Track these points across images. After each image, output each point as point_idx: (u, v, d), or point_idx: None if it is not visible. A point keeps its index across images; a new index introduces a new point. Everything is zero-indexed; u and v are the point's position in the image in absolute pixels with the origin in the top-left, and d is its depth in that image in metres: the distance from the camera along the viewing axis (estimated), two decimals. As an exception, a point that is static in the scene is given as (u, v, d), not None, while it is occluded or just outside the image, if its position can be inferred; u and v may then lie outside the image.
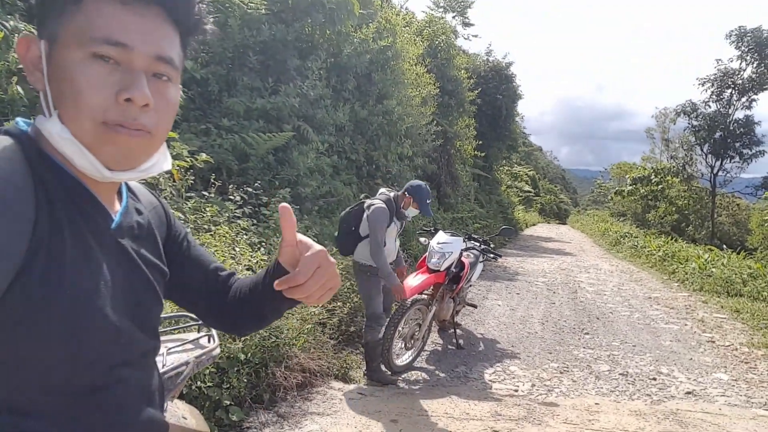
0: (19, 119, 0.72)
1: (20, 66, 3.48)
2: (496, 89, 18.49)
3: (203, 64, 5.86)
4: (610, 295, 8.29)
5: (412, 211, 3.87)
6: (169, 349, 1.30)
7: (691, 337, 5.89)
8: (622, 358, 4.93)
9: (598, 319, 6.54)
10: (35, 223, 0.62)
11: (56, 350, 0.66)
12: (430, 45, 13.35)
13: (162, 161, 0.77)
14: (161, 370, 1.14)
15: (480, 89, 16.32)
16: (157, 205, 0.93)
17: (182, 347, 1.34)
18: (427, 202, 3.82)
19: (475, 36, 44.01)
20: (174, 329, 1.50)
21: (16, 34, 3.49)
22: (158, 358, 1.15)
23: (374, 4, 9.15)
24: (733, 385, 4.35)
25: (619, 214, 31.13)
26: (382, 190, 3.99)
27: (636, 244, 16.07)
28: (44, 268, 0.63)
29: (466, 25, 25.14)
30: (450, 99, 13.64)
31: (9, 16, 3.61)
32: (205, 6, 0.75)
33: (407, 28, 11.93)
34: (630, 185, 28.96)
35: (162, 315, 1.30)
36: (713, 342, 5.71)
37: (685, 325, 6.48)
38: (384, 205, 3.69)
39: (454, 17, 24.08)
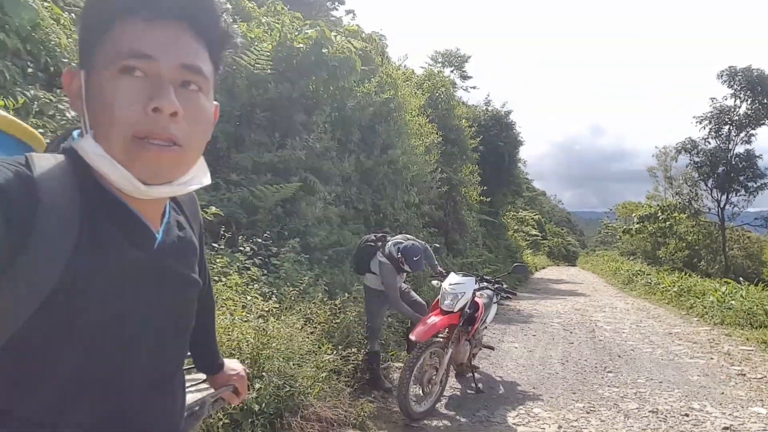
0: (75, 134, 0.74)
1: (39, 130, 3.63)
2: (497, 137, 18.86)
3: (212, 123, 6.04)
4: (629, 333, 8.08)
5: (406, 267, 4.37)
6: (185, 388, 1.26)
7: (719, 370, 5.69)
8: (650, 395, 4.75)
9: (619, 357, 6.35)
10: (73, 253, 0.63)
11: (89, 370, 0.67)
12: (430, 97, 13.74)
13: (200, 176, 0.77)
14: None
15: (481, 137, 16.64)
16: (198, 212, 0.95)
17: (196, 387, 1.30)
18: (414, 259, 4.28)
19: (474, 87, 45.39)
20: (188, 368, 1.46)
21: (36, 102, 3.65)
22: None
23: (375, 61, 9.50)
24: (771, 418, 4.16)
25: (629, 253, 30.81)
26: (397, 238, 4.58)
27: (649, 281, 15.83)
28: (81, 289, 0.64)
29: (464, 77, 25.97)
30: (453, 147, 13.87)
31: (30, 86, 3.78)
32: (231, 19, 0.78)
33: (407, 82, 12.32)
34: (637, 223, 28.85)
35: None
36: (744, 375, 5.51)
37: (711, 359, 6.28)
38: (389, 264, 4.34)
39: (452, 71, 24.94)
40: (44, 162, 0.66)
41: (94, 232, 0.66)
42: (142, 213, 0.74)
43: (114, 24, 0.67)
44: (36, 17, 3.98)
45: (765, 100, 23.03)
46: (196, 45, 0.72)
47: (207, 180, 0.79)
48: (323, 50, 7.01)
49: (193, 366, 1.35)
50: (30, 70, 3.95)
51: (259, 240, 4.85)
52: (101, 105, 0.67)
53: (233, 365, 1.24)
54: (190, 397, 1.25)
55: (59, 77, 4.03)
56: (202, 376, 1.25)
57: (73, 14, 4.78)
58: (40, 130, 3.63)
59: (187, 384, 1.29)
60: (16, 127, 0.78)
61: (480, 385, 4.79)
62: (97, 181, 0.70)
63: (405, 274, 4.59)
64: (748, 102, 23.49)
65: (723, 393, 4.85)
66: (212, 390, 1.23)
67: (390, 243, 4.50)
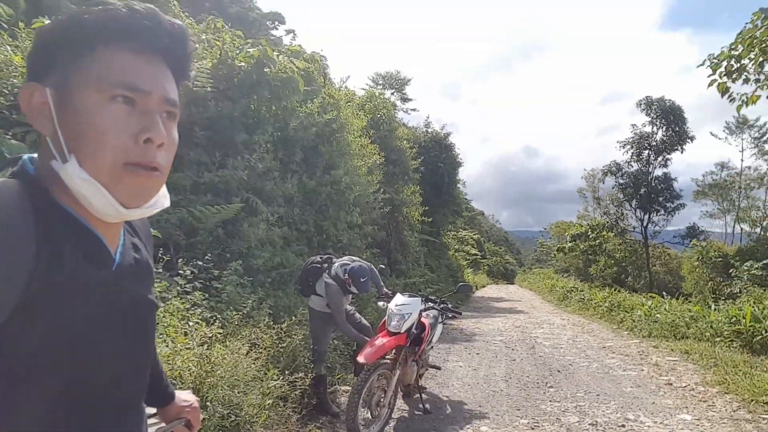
0: (26, 160, 0.74)
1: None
2: (437, 158, 19.28)
3: (148, 141, 5.80)
4: (566, 348, 8.38)
5: (353, 288, 4.31)
6: None
7: (649, 381, 6.00)
8: (589, 408, 4.93)
9: (559, 371, 6.56)
10: (33, 270, 0.63)
11: (48, 394, 0.67)
12: (372, 118, 13.89)
13: (162, 198, 0.81)
14: None
15: (422, 158, 16.95)
16: (150, 236, 0.97)
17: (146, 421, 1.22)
18: (361, 280, 4.24)
19: (414, 110, 46.36)
20: None
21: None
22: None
23: (317, 82, 9.51)
24: (698, 425, 4.41)
25: (563, 270, 32.20)
26: (344, 259, 4.53)
27: (583, 297, 16.57)
28: (43, 313, 0.64)
29: (405, 100, 26.49)
30: (395, 168, 14.04)
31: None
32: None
33: (350, 103, 12.40)
34: (570, 242, 30.27)
35: None
36: (671, 384, 5.83)
37: (642, 370, 6.61)
38: (337, 288, 4.29)
39: (392, 93, 25.39)
40: None
41: (53, 251, 0.66)
42: (101, 234, 0.75)
43: (96, 49, 0.69)
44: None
45: (677, 128, 25.06)
46: (171, 78, 0.77)
47: (167, 202, 0.82)
48: (265, 69, 6.95)
49: None
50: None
51: (200, 263, 4.66)
52: (88, 129, 0.68)
53: (185, 396, 1.19)
54: None
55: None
56: (152, 410, 1.17)
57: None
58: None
59: None
60: None
61: (428, 405, 4.79)
62: (56, 202, 0.71)
63: (351, 295, 4.54)
64: (663, 129, 25.46)
65: (654, 403, 5.10)
66: (163, 424, 1.15)
67: (336, 264, 4.47)
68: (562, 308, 16.57)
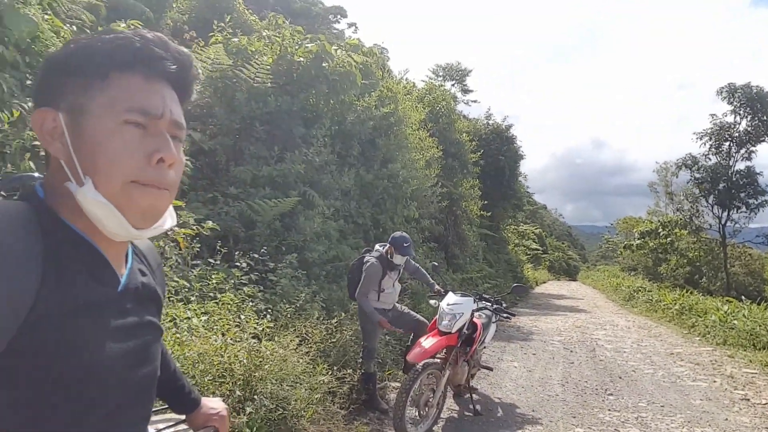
0: (37, 184, 0.76)
1: (35, 143, 3.59)
2: (498, 150, 18.83)
3: (211, 136, 6.01)
4: (630, 353, 7.98)
5: (397, 258, 4.42)
6: (161, 430, 1.19)
7: (722, 395, 5.60)
8: (652, 420, 4.66)
9: (620, 378, 6.26)
10: (38, 292, 0.65)
11: (57, 411, 0.68)
12: (431, 111, 13.75)
13: (169, 218, 0.83)
14: None
15: (482, 151, 16.61)
16: (161, 264, 0.98)
17: (174, 428, 1.22)
18: (405, 245, 4.39)
19: (475, 101, 45.64)
20: (164, 408, 1.40)
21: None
22: None
23: (376, 75, 9.51)
24: (775, 446, 4.07)
25: (630, 269, 30.65)
26: (377, 246, 4.64)
27: (650, 298, 15.72)
28: (47, 330, 0.66)
29: (465, 91, 26.10)
30: (453, 161, 13.85)
31: (28, 98, 3.75)
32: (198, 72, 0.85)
33: (408, 95, 12.33)
34: (638, 239, 28.76)
35: None
36: (748, 400, 5.41)
37: (714, 381, 6.18)
38: (375, 262, 4.38)
39: (453, 85, 25.06)
40: (2, 210, 0.67)
41: (60, 271, 0.68)
42: (108, 256, 0.77)
43: (109, 75, 0.72)
44: (36, 30, 3.96)
45: (765, 117, 23.08)
46: (178, 102, 0.80)
47: (173, 221, 0.84)
48: (323, 64, 7.01)
49: (166, 406, 1.29)
50: (28, 82, 3.92)
51: (256, 255, 4.79)
52: (101, 153, 0.71)
53: (214, 404, 1.21)
54: None
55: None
56: (180, 416, 1.19)
57: (74, 27, 4.77)
58: (36, 143, 3.60)
59: (164, 425, 1.23)
60: None
61: (478, 406, 4.70)
62: (63, 222, 0.73)
63: (397, 273, 4.54)
64: (748, 119, 23.54)
65: (727, 419, 4.75)
66: (191, 431, 1.17)
67: (377, 246, 4.64)
68: (628, 309, 15.80)
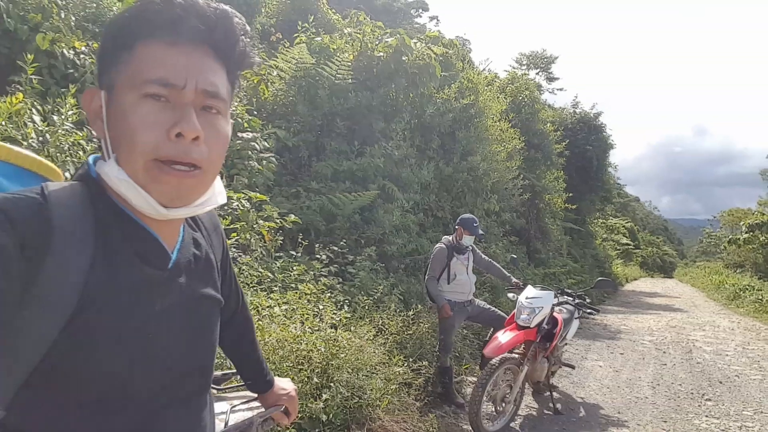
0: (91, 162, 0.76)
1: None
2: (585, 140, 17.94)
3: (295, 133, 6.28)
4: (733, 356, 7.35)
5: (467, 239, 4.51)
6: (234, 406, 1.23)
7: (841, 407, 5.02)
8: (759, 430, 4.29)
9: (721, 383, 5.79)
10: (88, 275, 0.66)
11: (110, 389, 0.69)
12: (513, 101, 13.37)
13: (216, 196, 0.79)
14: (223, 430, 1.13)
15: (568, 141, 15.91)
16: (218, 227, 0.96)
17: (248, 405, 1.27)
18: (474, 225, 4.50)
19: (561, 89, 43.71)
20: (240, 386, 1.40)
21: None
22: (221, 416, 1.15)
23: (456, 67, 9.42)
24: None
25: (736, 265, 27.99)
26: (444, 236, 4.75)
27: (760, 297, 14.29)
28: (98, 312, 0.67)
29: (551, 79, 25.08)
30: (536, 153, 13.40)
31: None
32: (249, 40, 0.78)
33: (490, 86, 12.08)
34: (746, 233, 26.15)
35: (227, 371, 1.32)
36: None
37: (834, 392, 5.55)
38: (442, 245, 4.53)
39: (537, 73, 24.18)
40: (59, 190, 0.69)
41: (109, 252, 0.69)
42: (157, 232, 0.76)
43: (135, 46, 0.69)
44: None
45: None
46: (216, 68, 0.74)
47: (223, 199, 0.81)
48: (403, 58, 7.06)
49: (243, 384, 1.36)
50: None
51: (336, 248, 4.96)
52: (124, 128, 0.69)
53: (284, 384, 1.26)
54: (240, 416, 1.24)
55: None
56: (253, 394, 1.25)
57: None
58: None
59: (238, 402, 1.30)
60: (31, 162, 0.81)
61: (558, 405, 4.57)
62: (114, 203, 0.73)
63: (467, 258, 4.58)
64: None
65: None
66: (262, 409, 1.23)
67: (443, 237, 4.76)
68: (732, 309, 14.50)
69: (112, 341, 0.68)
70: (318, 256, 4.62)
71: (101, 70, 0.73)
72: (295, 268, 4.10)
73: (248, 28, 0.77)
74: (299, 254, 4.52)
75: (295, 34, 7.39)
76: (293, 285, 3.87)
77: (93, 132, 0.76)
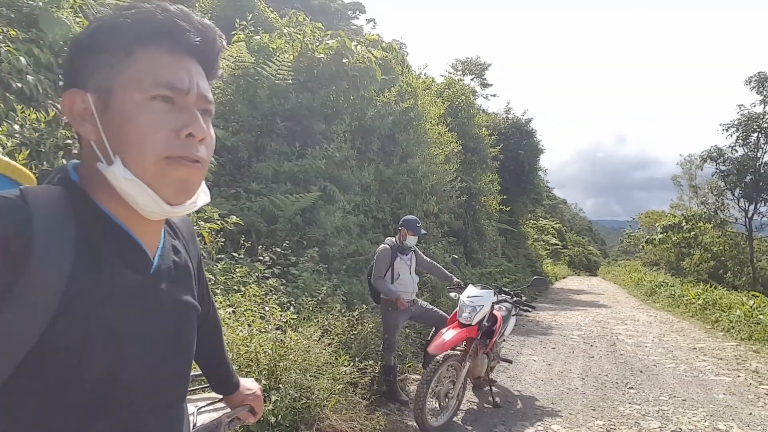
0: (70, 167, 0.76)
1: (67, 141, 3.74)
2: (517, 145, 18.72)
3: (233, 133, 6.13)
4: (651, 347, 7.93)
5: (410, 240, 4.58)
6: (200, 408, 1.25)
7: (746, 389, 5.54)
8: (673, 414, 4.65)
9: (641, 372, 6.23)
10: (70, 277, 0.65)
11: (92, 394, 0.68)
12: (450, 105, 13.73)
13: (203, 195, 0.81)
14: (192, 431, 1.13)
15: (501, 145, 16.55)
16: (194, 235, 0.98)
17: (213, 406, 1.28)
18: (417, 225, 4.58)
19: (494, 95, 45.36)
20: (205, 387, 1.44)
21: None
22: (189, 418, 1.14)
23: (395, 70, 9.55)
24: (799, 441, 4.04)
25: (652, 264, 30.16)
26: (387, 238, 4.81)
27: (673, 293, 15.50)
28: (80, 314, 0.66)
29: (485, 85, 25.92)
30: (472, 156, 13.83)
31: (60, 98, 3.90)
32: (227, 54, 0.83)
33: (427, 90, 12.33)
34: (661, 233, 28.25)
35: (192, 373, 1.30)
36: (771, 394, 5.35)
37: (738, 376, 6.12)
38: (385, 246, 4.59)
39: (472, 79, 24.91)
40: (38, 192, 0.68)
41: (92, 254, 0.69)
42: (139, 237, 0.76)
43: (133, 51, 0.71)
44: (69, 32, 4.10)
45: (796, 107, 22.43)
46: (204, 76, 0.79)
47: (207, 198, 0.83)
48: (344, 60, 7.07)
49: (207, 385, 1.35)
50: (61, 83, 4.06)
51: (279, 249, 4.90)
52: (131, 129, 0.70)
53: (249, 384, 1.26)
54: (207, 417, 1.24)
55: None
56: (218, 396, 1.26)
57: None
58: (68, 141, 3.75)
59: (203, 403, 1.30)
60: (5, 167, 0.80)
61: (497, 399, 4.75)
62: (96, 206, 0.73)
63: (410, 259, 4.65)
64: (778, 108, 22.89)
65: (751, 414, 4.72)
66: (228, 409, 1.24)
67: (386, 239, 4.82)
68: (649, 304, 15.61)
69: (93, 344, 0.68)
70: (261, 257, 4.54)
71: (88, 73, 0.73)
72: (237, 270, 4.02)
73: (225, 43, 0.82)
74: (241, 256, 4.43)
75: (233, 32, 7.22)
76: (236, 287, 3.79)
77: (77, 133, 0.75)
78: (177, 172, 0.72)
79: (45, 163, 3.56)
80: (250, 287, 3.77)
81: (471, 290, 4.56)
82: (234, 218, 4.54)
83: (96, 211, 0.73)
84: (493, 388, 4.87)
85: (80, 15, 4.53)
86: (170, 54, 0.73)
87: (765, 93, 22.80)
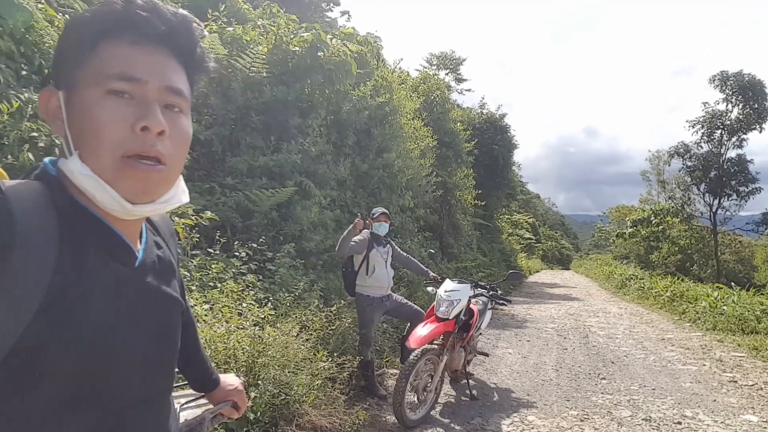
0: (48, 162, 0.75)
1: (32, 134, 3.60)
2: (491, 140, 18.90)
3: (207, 126, 6.01)
4: (622, 338, 8.12)
5: (375, 227, 4.61)
6: (183, 404, 1.23)
7: (711, 377, 5.73)
8: (643, 402, 4.77)
9: (613, 363, 6.38)
10: (55, 270, 0.64)
11: (79, 387, 0.68)
12: (425, 100, 13.75)
13: (180, 194, 0.80)
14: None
15: (476, 140, 16.66)
16: (174, 234, 0.98)
17: (195, 402, 1.27)
18: (383, 212, 4.72)
19: (469, 90, 45.68)
20: (184, 384, 1.43)
21: (30, 105, 3.61)
22: (176, 413, 1.12)
23: (371, 64, 9.49)
24: (765, 427, 4.19)
25: (622, 257, 30.93)
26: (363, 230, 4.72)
27: (642, 285, 15.92)
28: (66, 307, 0.65)
29: (459, 80, 26.03)
30: (448, 151, 13.89)
31: (24, 89, 3.74)
32: (206, 47, 0.81)
33: (403, 85, 12.31)
34: (630, 227, 28.97)
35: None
36: (735, 382, 5.54)
37: (704, 365, 6.31)
38: (362, 236, 4.55)
39: (447, 74, 25.00)
40: (16, 186, 0.66)
41: (76, 249, 0.68)
42: (121, 232, 0.76)
43: (98, 45, 0.70)
44: (30, 19, 3.94)
45: (756, 105, 23.23)
46: (177, 68, 0.76)
47: (186, 198, 0.81)
48: (319, 53, 7.00)
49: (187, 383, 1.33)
50: (24, 72, 3.91)
51: (255, 245, 4.82)
52: (88, 125, 0.68)
53: (230, 380, 1.24)
54: (190, 413, 1.23)
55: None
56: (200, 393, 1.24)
57: (67, 16, 4.74)
58: (34, 134, 3.61)
59: (186, 400, 1.28)
60: None
61: (474, 392, 4.79)
62: (76, 201, 0.72)
63: (386, 252, 4.66)
64: (740, 107, 23.68)
65: (715, 400, 4.88)
66: (211, 406, 1.22)
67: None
68: (620, 297, 16.00)
69: (79, 338, 0.67)
70: (236, 253, 4.46)
71: (60, 71, 0.73)
72: (213, 266, 3.94)
73: (205, 32, 0.79)
74: (217, 252, 4.35)
75: (205, 23, 7.06)
76: (212, 283, 3.72)
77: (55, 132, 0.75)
78: (134, 173, 0.69)
79: (9, 156, 3.42)
80: (227, 283, 3.70)
81: (448, 284, 4.58)
82: (209, 213, 4.45)
83: (76, 206, 0.71)
84: (470, 381, 4.91)
85: (42, 1, 4.36)
86: (133, 46, 0.71)
87: (727, 91, 23.59)
